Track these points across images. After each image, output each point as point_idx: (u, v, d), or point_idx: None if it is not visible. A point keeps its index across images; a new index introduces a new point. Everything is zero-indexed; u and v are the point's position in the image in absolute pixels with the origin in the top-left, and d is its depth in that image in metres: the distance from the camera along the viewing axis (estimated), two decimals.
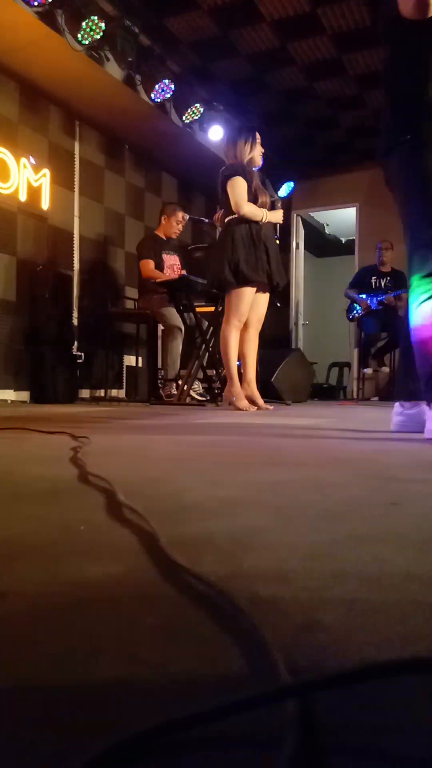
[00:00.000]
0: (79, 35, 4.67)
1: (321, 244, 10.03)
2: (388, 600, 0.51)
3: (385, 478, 1.17)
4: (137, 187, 6.90)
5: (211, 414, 3.66)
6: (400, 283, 6.61)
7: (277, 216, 4.05)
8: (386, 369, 6.82)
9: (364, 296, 6.69)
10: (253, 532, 0.73)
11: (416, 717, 0.33)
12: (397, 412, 2.22)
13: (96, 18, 4.66)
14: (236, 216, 3.97)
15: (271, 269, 4.00)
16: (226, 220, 4.05)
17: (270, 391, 5.52)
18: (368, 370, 6.83)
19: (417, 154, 1.96)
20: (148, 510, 0.84)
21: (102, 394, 6.17)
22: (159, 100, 5.62)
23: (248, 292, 3.97)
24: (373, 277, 6.74)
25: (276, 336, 8.31)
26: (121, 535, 0.71)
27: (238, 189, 3.91)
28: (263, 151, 4.16)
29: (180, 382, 4.96)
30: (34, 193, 5.42)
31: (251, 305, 4.04)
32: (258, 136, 4.10)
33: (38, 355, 5.16)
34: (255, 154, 4.08)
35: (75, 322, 5.83)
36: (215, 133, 6.36)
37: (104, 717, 0.33)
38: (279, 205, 4.13)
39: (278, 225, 4.14)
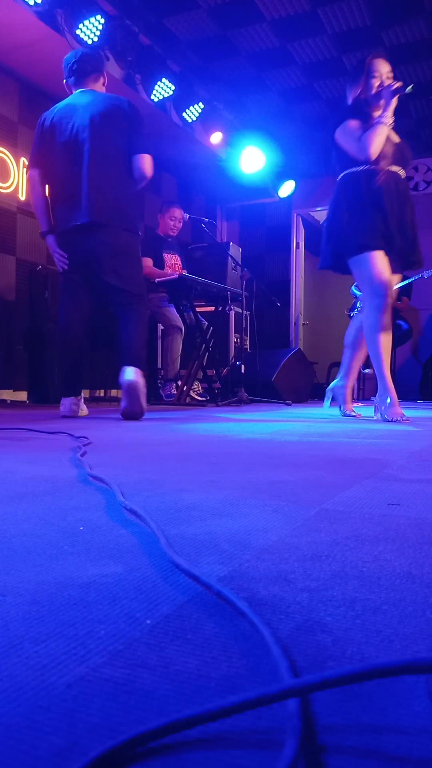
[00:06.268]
0: (79, 34, 4.67)
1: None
2: (388, 600, 0.51)
3: (385, 478, 1.17)
4: None
5: (210, 415, 3.66)
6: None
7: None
8: None
9: None
10: (253, 532, 0.73)
11: (416, 717, 0.33)
12: None
13: (96, 17, 4.66)
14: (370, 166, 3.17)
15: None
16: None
17: (270, 391, 5.52)
18: (369, 371, 6.83)
19: None
20: (148, 510, 0.84)
21: (101, 393, 6.17)
22: (159, 100, 5.62)
23: None
24: None
25: (276, 336, 8.32)
26: (121, 535, 0.71)
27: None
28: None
29: (180, 383, 4.96)
30: None
31: None
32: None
33: (37, 355, 5.16)
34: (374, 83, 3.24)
35: None
36: (215, 134, 6.38)
37: (105, 717, 0.33)
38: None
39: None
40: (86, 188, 3.03)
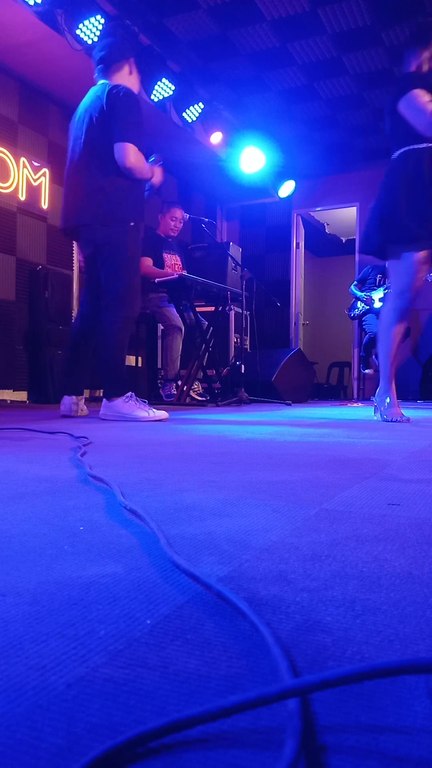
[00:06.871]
0: (79, 34, 4.67)
1: (321, 244, 10.04)
2: (388, 600, 0.51)
3: (385, 478, 1.17)
4: None
5: (210, 415, 3.66)
6: None
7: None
8: None
9: (363, 295, 6.69)
10: (253, 532, 0.73)
11: (416, 717, 0.33)
12: None
13: (96, 17, 4.66)
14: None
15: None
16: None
17: (270, 391, 5.52)
18: (369, 371, 6.83)
19: None
20: (148, 510, 0.84)
21: (101, 394, 6.17)
22: (159, 100, 5.62)
23: None
24: (378, 275, 6.72)
25: (276, 336, 8.32)
26: (121, 535, 0.71)
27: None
28: None
29: (180, 383, 4.96)
30: (33, 192, 5.42)
31: None
32: None
33: (37, 355, 5.17)
34: None
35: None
36: (215, 134, 6.37)
37: (105, 717, 0.33)
38: None
39: None
40: (65, 192, 3.12)
